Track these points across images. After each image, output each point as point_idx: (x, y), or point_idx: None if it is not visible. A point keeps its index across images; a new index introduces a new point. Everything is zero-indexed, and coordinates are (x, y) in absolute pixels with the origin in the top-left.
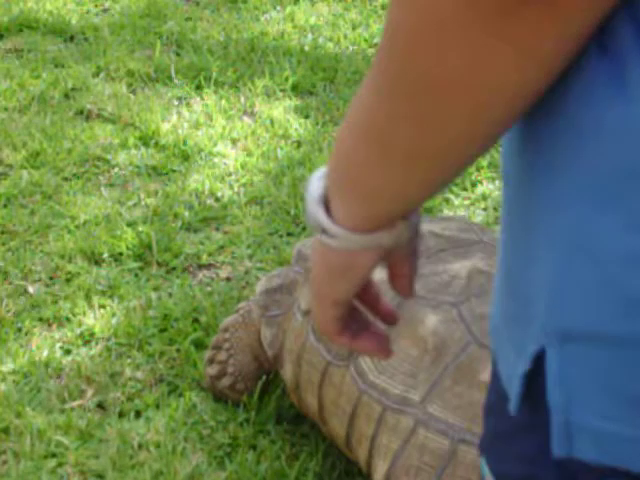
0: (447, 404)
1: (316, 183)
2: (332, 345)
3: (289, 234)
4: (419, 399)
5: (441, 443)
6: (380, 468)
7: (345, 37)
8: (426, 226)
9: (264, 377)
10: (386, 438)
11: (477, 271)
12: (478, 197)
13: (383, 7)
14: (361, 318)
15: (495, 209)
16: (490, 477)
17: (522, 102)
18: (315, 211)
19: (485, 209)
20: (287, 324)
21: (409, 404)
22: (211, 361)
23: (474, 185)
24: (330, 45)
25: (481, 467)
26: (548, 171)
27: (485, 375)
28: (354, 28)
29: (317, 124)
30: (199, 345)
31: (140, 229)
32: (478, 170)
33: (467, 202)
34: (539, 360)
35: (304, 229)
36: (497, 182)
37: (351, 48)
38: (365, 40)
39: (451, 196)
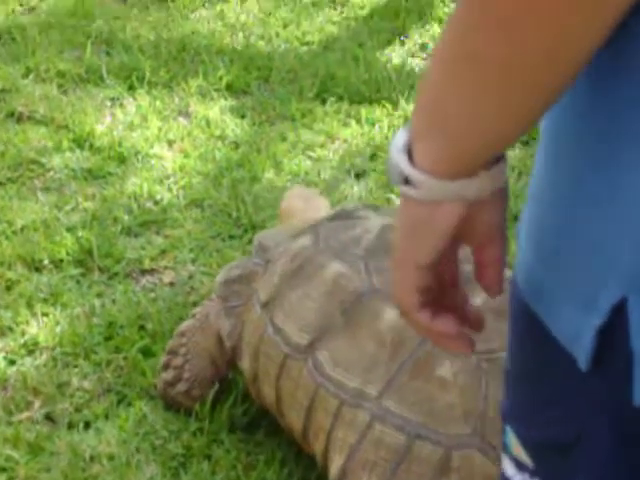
0: (404, 399)
1: (400, 133)
2: (290, 338)
3: (231, 237)
4: (376, 394)
5: (397, 438)
6: (336, 462)
7: (277, 35)
8: (385, 220)
9: (216, 385)
10: (342, 432)
11: None
12: None
13: (314, 4)
14: (449, 302)
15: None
16: (517, 444)
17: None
18: (398, 159)
19: None
20: (246, 315)
21: (366, 398)
22: (166, 367)
23: None
24: (262, 44)
25: (504, 436)
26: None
27: (442, 370)
28: (285, 26)
29: (254, 124)
30: (146, 353)
31: (80, 234)
32: None
33: None
34: (615, 312)
35: (246, 231)
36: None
37: (283, 46)
38: (297, 38)
39: None
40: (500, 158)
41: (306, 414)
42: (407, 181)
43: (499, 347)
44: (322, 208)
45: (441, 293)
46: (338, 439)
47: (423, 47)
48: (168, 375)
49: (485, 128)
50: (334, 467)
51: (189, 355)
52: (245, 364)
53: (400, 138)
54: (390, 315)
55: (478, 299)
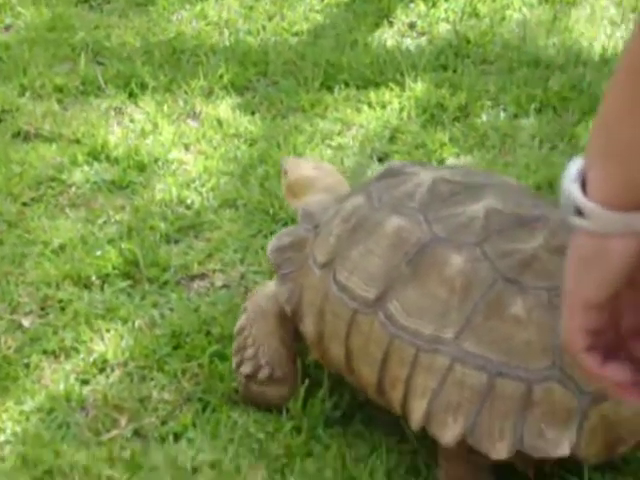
0: (481, 339)
1: (573, 162)
2: (356, 294)
3: (272, 233)
4: (453, 337)
5: (479, 378)
6: (418, 408)
7: (264, 28)
8: (434, 174)
9: (306, 381)
10: (422, 378)
11: (493, 211)
12: None
13: None
14: (627, 354)
15: None
16: None
17: None
18: (570, 189)
19: None
20: (303, 279)
21: (443, 342)
22: (240, 363)
23: (441, 163)
24: (251, 38)
25: None
26: None
27: (515, 308)
28: (270, 18)
29: (265, 119)
30: (220, 357)
31: (122, 246)
32: (441, 147)
33: None
34: None
35: (285, 225)
36: (462, 157)
37: (273, 39)
38: (285, 30)
39: None
40: None
41: (380, 366)
42: (579, 212)
43: None
44: (333, 172)
45: (620, 337)
46: (418, 386)
47: (412, 26)
48: (247, 368)
49: None
50: (416, 413)
51: (257, 342)
52: (308, 326)
53: (573, 167)
54: (457, 260)
55: (540, 239)
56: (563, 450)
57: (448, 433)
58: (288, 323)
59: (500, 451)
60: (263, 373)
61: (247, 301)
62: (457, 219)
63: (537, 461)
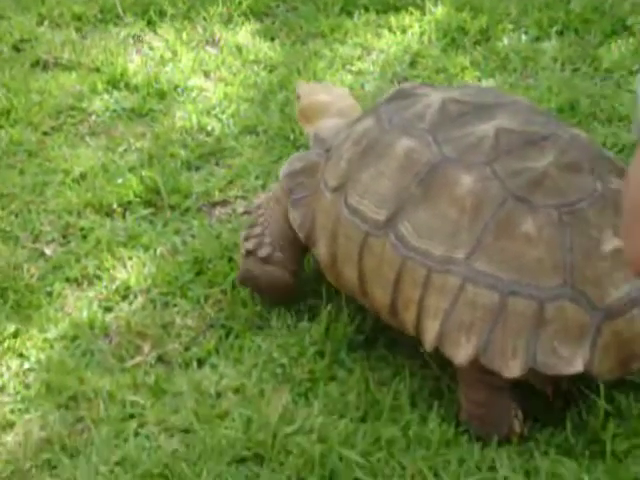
0: (492, 259)
1: None
2: (368, 216)
3: None
4: (464, 257)
5: (491, 297)
6: (431, 329)
7: None
8: (444, 94)
9: (329, 307)
10: (434, 299)
11: (503, 130)
12: None
13: None
14: None
15: None
16: None
17: None
18: None
19: None
20: (315, 204)
21: (454, 263)
22: (247, 238)
23: None
24: None
25: None
26: None
27: (526, 226)
28: None
29: (285, 45)
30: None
31: (142, 174)
32: (462, 71)
33: None
34: None
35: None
36: (483, 81)
37: None
38: None
39: None
40: None
41: (393, 288)
42: None
43: (576, 200)
44: (346, 96)
45: None
46: (430, 306)
47: None
48: (250, 244)
49: None
50: (429, 334)
51: (267, 222)
52: (321, 249)
53: None
54: (467, 180)
55: (550, 157)
56: (576, 367)
57: (461, 352)
58: None
59: (513, 369)
60: (264, 251)
61: (274, 183)
62: (467, 139)
63: (553, 379)
